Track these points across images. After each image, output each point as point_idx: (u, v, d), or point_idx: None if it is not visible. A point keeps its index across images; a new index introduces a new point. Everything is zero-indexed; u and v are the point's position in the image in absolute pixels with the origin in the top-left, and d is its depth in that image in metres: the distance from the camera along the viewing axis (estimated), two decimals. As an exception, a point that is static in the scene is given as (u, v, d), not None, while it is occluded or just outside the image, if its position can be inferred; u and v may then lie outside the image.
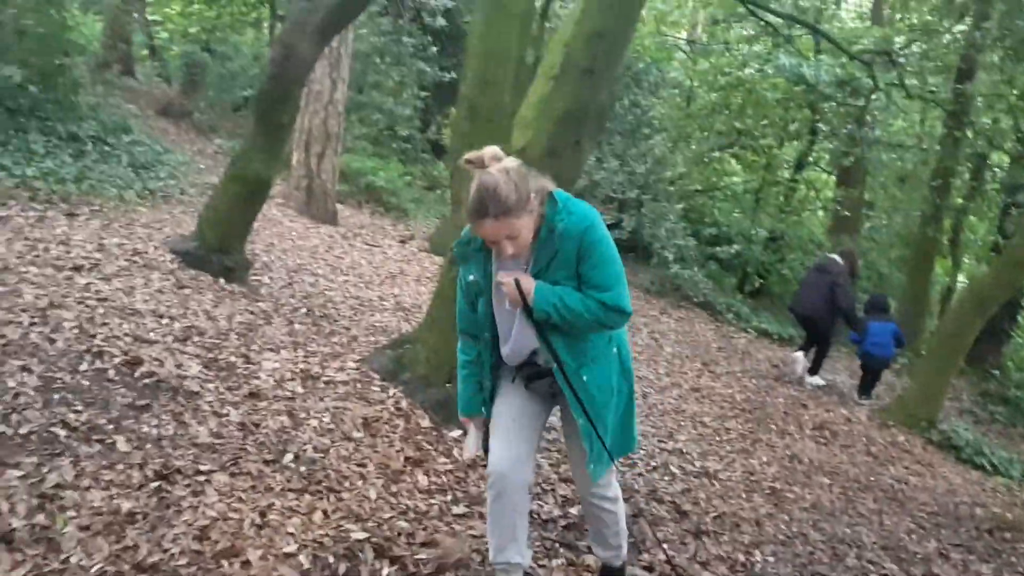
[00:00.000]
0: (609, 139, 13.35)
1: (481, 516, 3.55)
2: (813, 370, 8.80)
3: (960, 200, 13.17)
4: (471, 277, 2.65)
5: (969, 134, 11.47)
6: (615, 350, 2.64)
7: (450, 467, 3.91)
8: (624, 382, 2.70)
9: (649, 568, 3.50)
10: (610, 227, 11.38)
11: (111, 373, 3.69)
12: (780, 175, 14.12)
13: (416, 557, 3.04)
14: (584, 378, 2.55)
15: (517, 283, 2.45)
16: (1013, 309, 13.40)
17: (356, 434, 3.95)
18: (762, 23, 12.85)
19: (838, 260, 8.57)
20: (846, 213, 13.84)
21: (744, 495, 4.88)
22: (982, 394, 11.12)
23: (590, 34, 4.16)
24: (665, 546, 3.74)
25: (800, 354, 8.80)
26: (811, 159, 14.18)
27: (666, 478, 4.78)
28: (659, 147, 12.67)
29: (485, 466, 2.86)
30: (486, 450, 2.80)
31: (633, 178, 12.54)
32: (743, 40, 14.93)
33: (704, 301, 11.55)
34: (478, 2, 4.85)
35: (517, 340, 2.62)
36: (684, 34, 18.44)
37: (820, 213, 16.08)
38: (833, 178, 15.68)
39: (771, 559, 4.00)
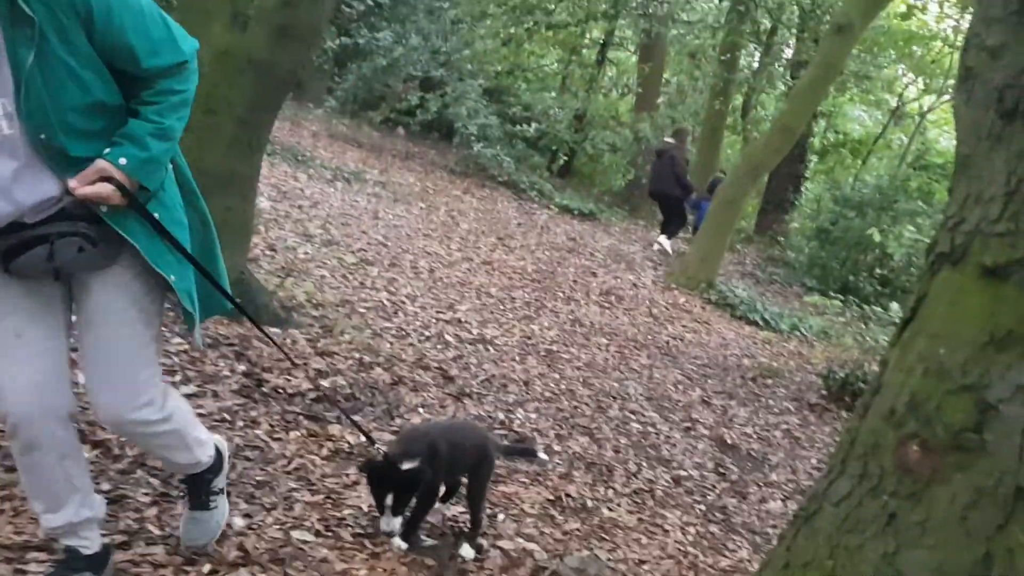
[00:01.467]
0: (412, 15, 12.73)
1: (215, 394, 3.25)
2: (667, 234, 10.16)
3: (748, 74, 13.72)
4: None
5: (754, 8, 11.82)
6: (170, 165, 1.84)
7: (185, 347, 3.54)
8: (194, 212, 1.91)
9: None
10: (410, 111, 10.81)
11: None
12: (586, 56, 14.10)
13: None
14: (156, 215, 1.75)
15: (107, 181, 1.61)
16: (797, 181, 14.37)
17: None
18: None
19: (672, 140, 10.09)
20: (639, 91, 14.05)
21: (518, 358, 4.84)
22: (766, 259, 11.90)
23: None
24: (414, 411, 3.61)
25: (664, 238, 10.15)
26: (616, 39, 14.22)
27: (439, 346, 4.64)
28: (459, 23, 12.23)
29: None
30: None
31: (436, 56, 12.07)
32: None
33: (509, 180, 11.48)
34: None
35: (21, 188, 1.60)
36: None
37: (626, 92, 16.31)
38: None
39: (533, 415, 3.97)
